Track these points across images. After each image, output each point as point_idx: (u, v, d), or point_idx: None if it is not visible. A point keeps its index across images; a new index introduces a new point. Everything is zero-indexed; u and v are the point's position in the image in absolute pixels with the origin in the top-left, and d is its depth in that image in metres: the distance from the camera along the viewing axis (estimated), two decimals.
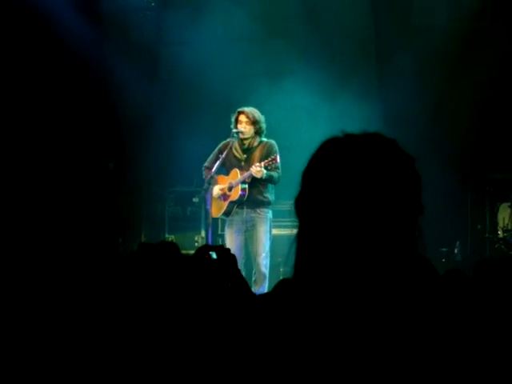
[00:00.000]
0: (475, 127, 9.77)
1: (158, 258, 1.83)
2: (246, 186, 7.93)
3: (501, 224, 9.50)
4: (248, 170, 7.86)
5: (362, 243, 1.58)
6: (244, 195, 7.94)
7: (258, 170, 7.72)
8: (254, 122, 7.98)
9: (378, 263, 1.57)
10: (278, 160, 7.92)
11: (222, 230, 9.05)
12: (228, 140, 8.11)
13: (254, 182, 7.90)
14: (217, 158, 8.08)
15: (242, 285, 3.33)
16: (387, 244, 1.59)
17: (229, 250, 3.60)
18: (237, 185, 7.97)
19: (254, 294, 3.40)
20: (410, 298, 1.57)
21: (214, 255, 3.46)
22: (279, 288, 4.12)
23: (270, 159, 7.80)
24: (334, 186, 1.62)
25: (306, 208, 1.68)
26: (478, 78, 9.75)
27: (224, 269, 3.35)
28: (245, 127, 7.97)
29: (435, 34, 10.03)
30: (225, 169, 8.19)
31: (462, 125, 9.68)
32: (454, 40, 9.96)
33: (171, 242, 1.84)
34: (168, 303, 1.78)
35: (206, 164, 8.20)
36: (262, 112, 8.10)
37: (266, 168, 7.78)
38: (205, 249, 2.81)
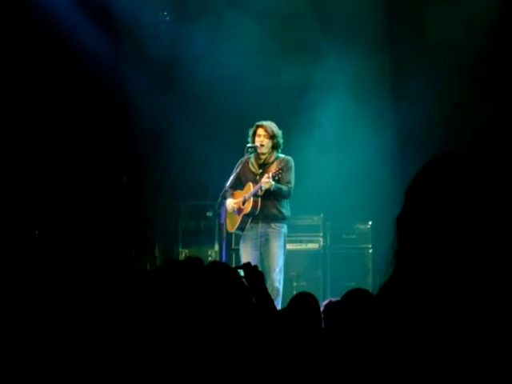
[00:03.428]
0: (491, 142, 9.72)
1: (185, 274, 1.82)
2: (259, 198, 7.92)
3: None
4: None
5: (466, 265, 1.55)
6: (256, 207, 7.92)
7: (266, 180, 7.73)
8: (272, 136, 7.99)
9: (481, 287, 1.54)
10: (291, 175, 7.93)
11: (236, 244, 9.03)
12: (245, 157, 8.10)
13: (268, 196, 7.89)
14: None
15: (268, 302, 3.31)
16: (491, 267, 1.56)
17: (256, 267, 3.58)
18: (249, 198, 7.96)
19: (278, 311, 3.39)
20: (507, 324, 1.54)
21: (242, 272, 3.46)
22: (296, 302, 4.10)
23: (278, 168, 7.80)
24: (440, 203, 1.60)
25: (409, 226, 1.65)
26: (493, 93, 9.72)
27: (251, 286, 3.34)
28: (262, 141, 7.97)
29: (450, 49, 10.01)
30: (241, 184, 8.19)
31: (478, 139, 9.63)
32: (470, 55, 9.94)
33: (197, 258, 1.83)
34: (194, 318, 1.76)
35: (226, 185, 8.16)
36: (278, 126, 8.09)
37: (273, 178, 7.77)
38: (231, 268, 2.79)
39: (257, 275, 3.46)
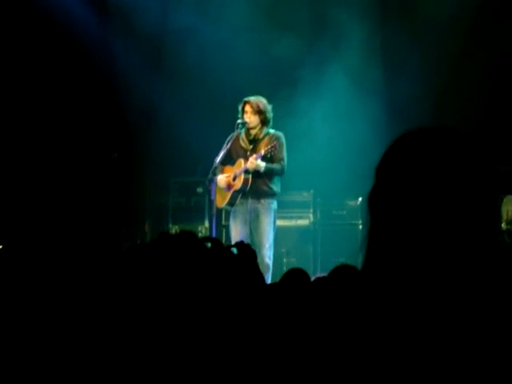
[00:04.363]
0: (479, 119, 9.73)
1: (180, 248, 1.81)
2: (250, 175, 7.92)
3: (505, 216, 9.47)
4: None
5: (438, 239, 1.56)
6: (247, 184, 7.93)
7: (251, 161, 7.74)
8: (259, 112, 7.97)
9: (453, 259, 1.55)
10: (284, 151, 7.93)
11: (226, 220, 9.05)
12: (235, 132, 8.10)
13: (258, 172, 7.89)
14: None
15: (259, 279, 3.32)
16: (463, 240, 1.57)
17: (249, 245, 3.59)
18: (240, 174, 7.96)
19: (268, 286, 3.39)
20: (486, 295, 1.55)
21: (235, 250, 3.46)
22: (288, 278, 4.11)
23: (269, 146, 7.80)
24: (410, 180, 1.60)
25: (380, 203, 1.66)
26: (484, 68, 9.72)
27: (244, 264, 3.34)
28: (249, 117, 7.97)
29: (441, 24, 9.99)
30: (232, 159, 8.19)
31: (467, 117, 9.63)
32: (460, 30, 9.92)
33: (190, 232, 1.82)
34: (187, 294, 1.76)
35: (216, 160, 8.17)
36: (268, 102, 8.07)
37: (266, 156, 7.77)
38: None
39: (249, 254, 3.47)
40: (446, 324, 1.53)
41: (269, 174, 7.92)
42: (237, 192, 8.02)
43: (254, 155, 7.82)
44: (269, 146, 7.80)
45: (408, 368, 1.52)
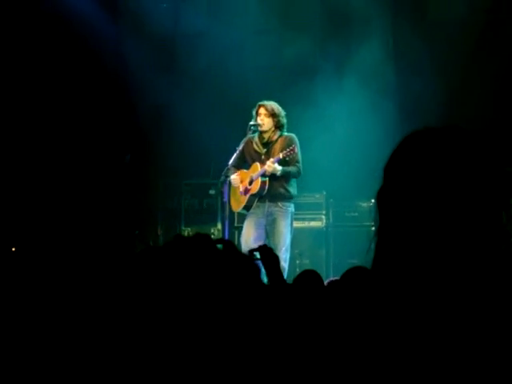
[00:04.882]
0: (490, 120, 9.70)
1: (196, 251, 1.82)
2: (267, 178, 7.94)
3: None
4: None
5: (446, 239, 1.57)
6: (264, 188, 7.95)
7: (270, 164, 7.76)
8: (273, 115, 8.00)
9: (462, 260, 1.56)
10: (298, 153, 7.94)
11: (239, 222, 9.05)
12: (248, 137, 8.13)
13: (275, 175, 7.90)
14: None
15: (282, 285, 3.33)
16: (471, 239, 1.57)
17: (271, 249, 3.60)
18: (257, 178, 7.99)
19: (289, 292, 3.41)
20: (489, 295, 1.55)
21: (258, 255, 3.48)
22: (301, 280, 4.11)
23: (288, 150, 7.82)
24: (418, 179, 1.61)
25: (388, 202, 1.66)
26: (493, 71, 9.70)
27: (266, 268, 3.36)
28: (263, 119, 8.00)
29: (452, 25, 9.98)
30: (245, 163, 8.22)
31: (477, 117, 9.61)
32: (471, 33, 9.91)
33: (206, 234, 1.82)
34: (201, 297, 1.77)
35: (229, 163, 8.19)
36: (280, 104, 8.09)
37: (284, 159, 7.80)
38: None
39: (272, 258, 3.49)
40: (454, 324, 1.53)
41: (286, 177, 7.95)
42: (254, 196, 8.04)
43: (272, 159, 7.84)
44: (287, 150, 7.82)
45: (419, 366, 1.52)
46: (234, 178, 8.17)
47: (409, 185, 1.62)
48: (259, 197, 8.01)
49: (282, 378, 1.68)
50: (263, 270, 3.36)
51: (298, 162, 7.96)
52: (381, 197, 1.70)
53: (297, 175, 8.02)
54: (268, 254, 3.50)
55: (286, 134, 8.09)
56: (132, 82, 10.69)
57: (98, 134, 10.47)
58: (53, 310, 2.57)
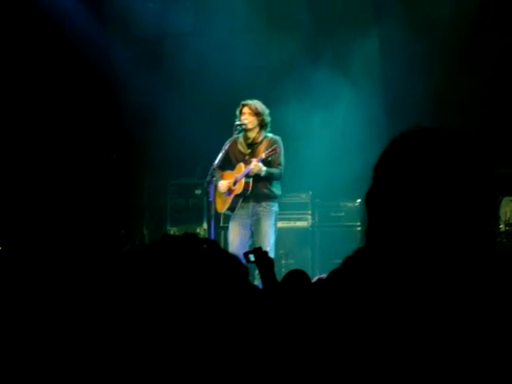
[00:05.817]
0: (478, 120, 9.74)
1: (183, 250, 1.81)
2: (250, 179, 7.95)
3: (503, 218, 9.48)
4: None
5: (434, 239, 1.57)
6: (248, 189, 7.96)
7: (255, 163, 7.76)
8: (257, 114, 8.00)
9: (450, 259, 1.56)
10: (281, 155, 7.95)
11: (225, 222, 9.05)
12: (233, 137, 8.12)
13: (259, 176, 7.91)
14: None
15: (276, 288, 3.34)
16: (458, 240, 1.57)
17: (266, 252, 3.60)
18: (241, 178, 7.99)
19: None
20: (482, 294, 1.55)
21: (252, 257, 3.49)
22: (288, 279, 4.11)
23: (270, 150, 7.82)
24: (407, 180, 1.60)
25: (377, 202, 1.66)
26: (481, 71, 9.73)
27: (261, 271, 3.37)
28: (247, 118, 7.99)
29: (439, 25, 10.00)
30: (230, 163, 8.21)
31: (466, 118, 9.64)
32: (459, 33, 9.93)
33: (194, 234, 1.81)
34: (191, 296, 1.76)
35: (214, 163, 8.19)
36: (267, 104, 8.10)
37: (266, 159, 7.80)
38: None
39: (267, 261, 3.50)
40: (442, 325, 1.54)
41: (269, 178, 7.95)
42: (238, 196, 8.05)
43: (255, 159, 7.84)
44: (269, 150, 7.82)
45: (411, 367, 1.53)
46: (222, 183, 8.15)
47: (398, 185, 1.62)
48: (243, 197, 8.02)
49: (274, 376, 1.68)
50: (253, 272, 3.38)
51: (280, 164, 7.98)
52: (370, 197, 1.70)
53: (279, 177, 8.04)
54: (263, 257, 3.51)
55: (271, 135, 8.10)
56: (118, 81, 10.66)
57: (84, 133, 10.44)
58: (38, 310, 2.56)
